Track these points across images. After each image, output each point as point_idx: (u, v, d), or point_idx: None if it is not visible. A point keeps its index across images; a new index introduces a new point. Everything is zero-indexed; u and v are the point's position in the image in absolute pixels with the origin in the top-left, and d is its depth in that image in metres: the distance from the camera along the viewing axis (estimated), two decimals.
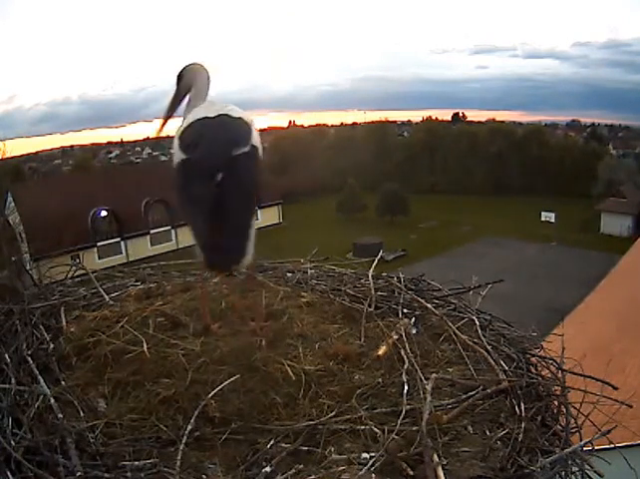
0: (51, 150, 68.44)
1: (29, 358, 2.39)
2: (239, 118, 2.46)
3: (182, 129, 2.45)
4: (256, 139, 2.43)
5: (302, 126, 63.70)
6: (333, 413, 2.07)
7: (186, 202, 2.25)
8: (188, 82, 2.70)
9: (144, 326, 2.62)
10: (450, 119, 64.09)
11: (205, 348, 2.44)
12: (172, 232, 33.26)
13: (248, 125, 2.46)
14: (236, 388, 2.16)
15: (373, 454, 1.84)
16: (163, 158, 59.23)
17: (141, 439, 1.94)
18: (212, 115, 2.43)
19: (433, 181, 47.25)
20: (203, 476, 1.83)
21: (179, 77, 2.72)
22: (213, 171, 2.20)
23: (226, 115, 2.44)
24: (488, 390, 2.28)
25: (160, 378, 2.24)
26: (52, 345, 2.54)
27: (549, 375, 2.61)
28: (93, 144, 73.38)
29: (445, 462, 1.84)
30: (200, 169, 2.24)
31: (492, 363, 2.52)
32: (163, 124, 2.76)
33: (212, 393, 2.08)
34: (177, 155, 2.35)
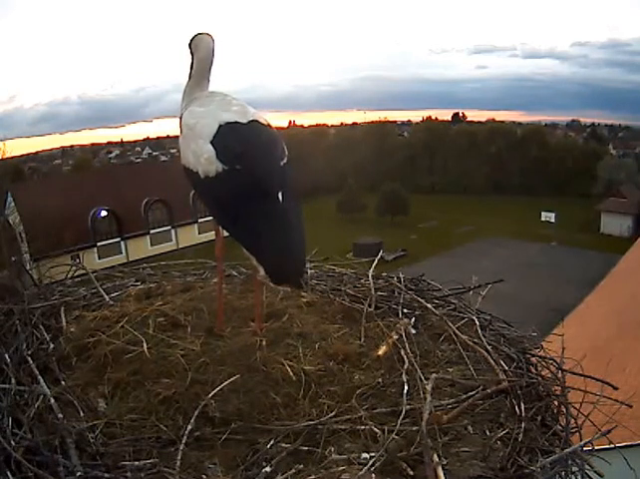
0: (51, 150, 68.51)
1: (29, 358, 2.39)
2: (269, 125, 2.45)
3: (214, 133, 2.27)
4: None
5: (302, 126, 63.69)
6: (333, 413, 2.07)
7: (247, 218, 2.17)
8: (208, 54, 2.59)
9: (144, 326, 2.62)
10: (450, 119, 64.15)
11: (205, 348, 2.44)
12: (172, 231, 33.29)
13: (277, 132, 2.47)
14: (236, 388, 2.16)
15: (373, 454, 1.84)
16: (163, 158, 59.26)
17: (141, 439, 1.94)
18: (243, 120, 2.34)
19: (433, 181, 47.26)
20: (203, 476, 1.83)
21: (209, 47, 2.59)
22: (275, 187, 2.18)
23: (256, 121, 2.38)
24: (488, 390, 2.28)
25: (160, 378, 2.24)
26: (52, 345, 2.54)
27: (549, 375, 2.61)
28: (93, 144, 73.48)
29: (445, 462, 1.84)
30: (261, 184, 2.17)
31: (492, 363, 2.52)
32: None
33: (212, 393, 2.08)
34: (215, 162, 2.21)
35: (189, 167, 2.33)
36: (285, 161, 2.35)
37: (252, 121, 2.36)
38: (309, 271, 3.62)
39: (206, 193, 2.33)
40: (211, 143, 2.25)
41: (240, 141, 2.26)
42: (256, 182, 2.17)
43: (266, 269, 2.15)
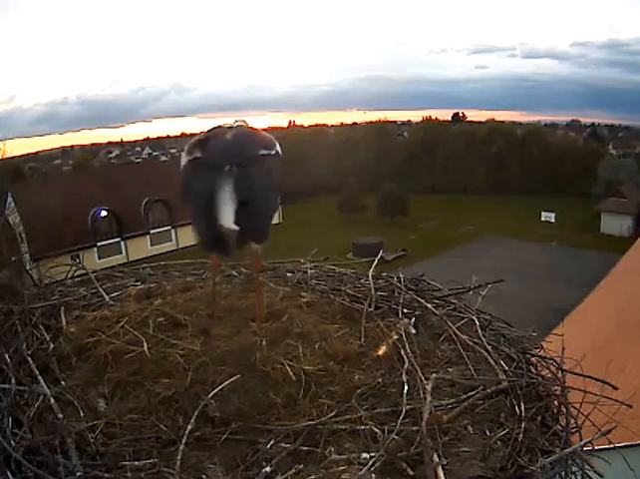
0: (51, 150, 68.54)
1: (29, 358, 2.39)
2: (260, 130, 2.61)
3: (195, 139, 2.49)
4: (277, 146, 2.54)
5: (302, 126, 63.67)
6: (333, 413, 2.07)
7: (194, 191, 2.30)
8: None
9: (144, 326, 2.61)
10: (449, 119, 64.09)
11: (205, 348, 2.44)
12: (172, 231, 33.29)
13: (269, 136, 2.58)
14: (236, 388, 2.16)
15: (373, 454, 1.84)
16: (163, 158, 59.31)
17: (141, 439, 1.94)
18: (230, 123, 2.53)
19: (433, 181, 47.27)
20: (203, 476, 1.83)
21: None
22: (223, 160, 2.25)
23: (243, 121, 2.56)
24: (488, 390, 2.28)
25: (160, 378, 2.24)
26: (52, 345, 2.54)
27: (549, 375, 2.61)
28: (93, 144, 73.51)
29: (445, 462, 1.84)
30: (209, 159, 2.30)
31: (492, 363, 2.52)
32: None
33: (212, 393, 2.08)
34: (186, 156, 2.40)
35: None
36: (266, 152, 2.43)
37: (239, 126, 2.52)
38: (309, 271, 3.63)
39: (181, 184, 2.43)
40: (189, 143, 2.46)
41: (208, 133, 2.44)
42: (205, 159, 2.31)
43: (196, 232, 2.30)
